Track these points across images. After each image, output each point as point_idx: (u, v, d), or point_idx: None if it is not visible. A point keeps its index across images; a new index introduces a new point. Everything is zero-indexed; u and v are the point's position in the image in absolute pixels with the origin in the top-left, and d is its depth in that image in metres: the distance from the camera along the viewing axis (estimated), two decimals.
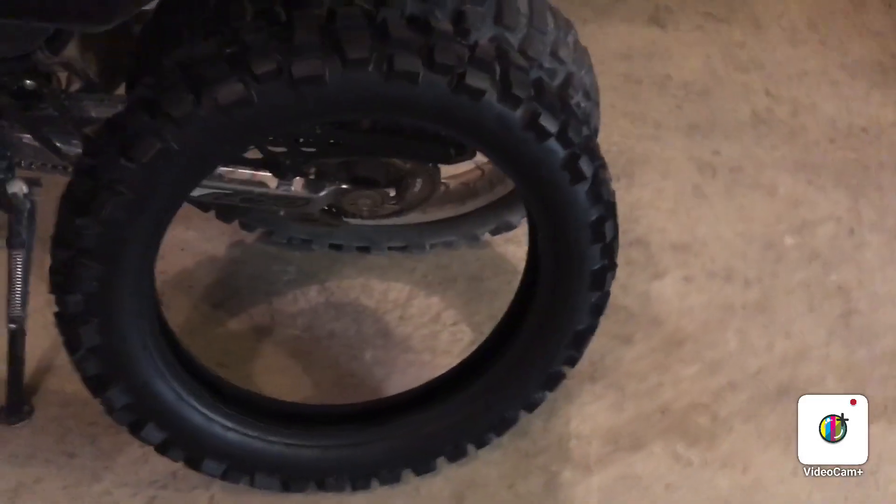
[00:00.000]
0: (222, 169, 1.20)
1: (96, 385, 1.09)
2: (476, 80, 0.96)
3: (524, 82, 0.99)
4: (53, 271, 1.00)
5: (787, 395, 1.45)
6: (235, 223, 1.55)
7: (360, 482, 1.29)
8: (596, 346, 1.48)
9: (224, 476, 1.23)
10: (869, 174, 1.78)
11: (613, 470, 1.36)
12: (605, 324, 1.50)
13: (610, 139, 1.81)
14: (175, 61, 0.94)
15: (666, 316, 1.55)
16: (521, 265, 1.58)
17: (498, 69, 0.98)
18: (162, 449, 1.18)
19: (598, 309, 1.20)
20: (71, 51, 1.09)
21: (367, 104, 0.96)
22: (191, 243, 1.62)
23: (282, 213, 1.32)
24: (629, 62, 1.96)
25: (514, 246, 1.61)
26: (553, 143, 1.03)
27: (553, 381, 1.26)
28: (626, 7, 2.09)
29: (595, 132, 1.30)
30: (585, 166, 1.05)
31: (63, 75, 1.09)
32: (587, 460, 1.37)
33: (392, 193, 1.29)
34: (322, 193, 1.24)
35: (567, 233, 1.11)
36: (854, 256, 1.63)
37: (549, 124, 1.01)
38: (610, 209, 1.11)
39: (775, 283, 1.59)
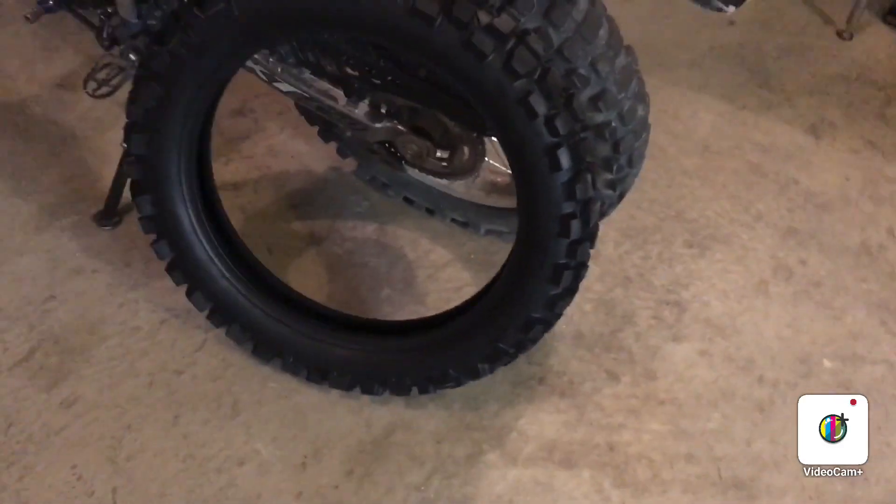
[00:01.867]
0: (306, 75, 1.43)
1: (134, 189, 1.34)
2: (483, 42, 1.10)
3: (528, 61, 1.11)
4: (133, 86, 1.27)
5: (738, 493, 1.42)
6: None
7: (314, 374, 1.46)
8: (582, 369, 1.55)
9: (209, 316, 1.45)
10: None
11: (535, 472, 1.41)
12: (602, 356, 1.58)
13: (704, 212, 1.84)
14: None
15: (663, 374, 1.56)
16: None
17: (510, 43, 1.11)
18: (169, 268, 1.42)
19: (554, 304, 1.28)
20: None
21: (391, 33, 1.13)
22: (301, 155, 1.88)
23: (348, 133, 1.51)
24: (764, 155, 1.96)
25: None
26: (539, 126, 1.14)
27: (497, 356, 1.35)
28: (791, 109, 2.09)
29: (630, 163, 1.38)
30: (564, 158, 1.15)
31: None
32: (516, 454, 1.44)
33: (439, 154, 1.45)
34: (378, 125, 1.43)
35: (536, 218, 1.21)
36: (888, 405, 1.54)
37: (539, 106, 1.12)
38: (584, 210, 1.19)
39: (789, 393, 1.55)
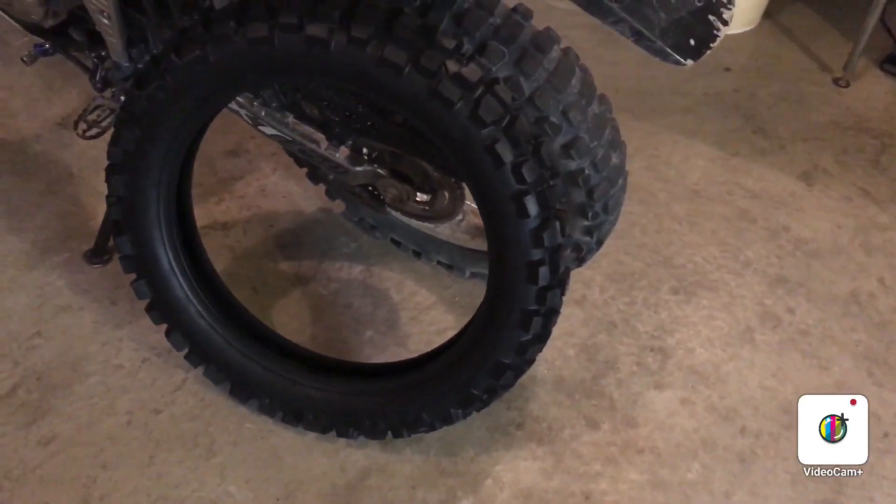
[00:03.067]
0: (289, 118, 1.45)
1: (115, 229, 1.36)
2: (449, 91, 1.12)
3: (494, 109, 1.13)
4: (114, 129, 1.29)
5: None
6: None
7: (290, 417, 1.46)
8: (561, 415, 1.54)
9: (187, 356, 1.46)
10: None
11: None
12: (582, 402, 1.57)
13: (692, 258, 1.84)
14: None
15: (643, 422, 1.55)
16: None
17: (477, 91, 1.13)
18: (148, 308, 1.43)
19: (524, 350, 1.28)
20: None
21: (362, 80, 1.14)
22: (292, 195, 1.90)
23: (331, 177, 1.53)
24: (755, 202, 1.96)
25: None
26: (506, 173, 1.15)
27: (469, 401, 1.34)
28: (784, 156, 2.09)
29: (606, 210, 1.37)
30: (531, 206, 1.16)
31: None
32: (491, 502, 1.42)
33: (420, 197, 1.47)
34: (358, 168, 1.44)
35: (505, 264, 1.22)
36: (872, 458, 1.52)
37: (505, 154, 1.14)
38: (553, 257, 1.20)
39: (771, 444, 1.52)
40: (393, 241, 1.78)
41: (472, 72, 1.13)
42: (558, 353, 1.64)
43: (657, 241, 1.86)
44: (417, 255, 1.77)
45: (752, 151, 2.10)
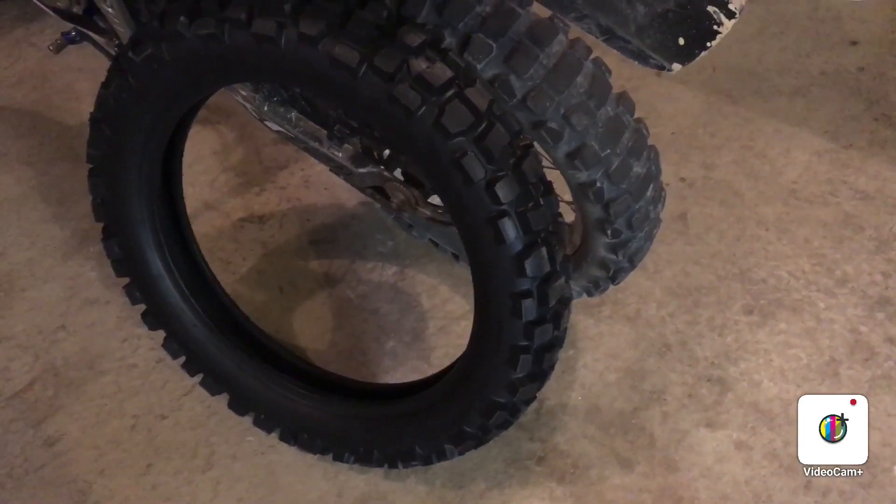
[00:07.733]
0: (292, 114, 1.33)
1: (103, 232, 1.31)
2: (407, 96, 0.96)
3: (462, 117, 0.96)
4: (90, 131, 1.22)
5: None
6: None
7: (287, 435, 1.36)
8: (590, 451, 1.38)
9: (183, 365, 1.39)
10: None
11: None
12: (617, 438, 1.39)
13: (775, 272, 1.58)
14: None
15: (686, 467, 1.34)
16: (586, 342, 1.50)
17: (444, 95, 0.96)
18: (144, 313, 1.37)
19: (516, 389, 1.11)
20: None
21: (316, 81, 1.01)
22: (335, 187, 1.78)
23: (341, 177, 1.41)
24: (864, 205, 1.65)
25: (587, 318, 1.51)
26: (480, 193, 0.98)
27: (461, 439, 1.20)
28: None
29: (630, 226, 1.16)
30: (509, 230, 0.99)
31: None
32: None
33: (434, 200, 1.32)
34: (361, 170, 1.30)
35: (487, 295, 1.06)
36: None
37: (475, 170, 0.97)
38: (541, 287, 1.02)
39: (844, 501, 1.28)
40: (431, 241, 1.64)
41: (437, 72, 0.97)
42: (597, 378, 1.45)
43: (735, 251, 1.61)
44: (456, 258, 1.62)
45: (871, 143, 1.78)
